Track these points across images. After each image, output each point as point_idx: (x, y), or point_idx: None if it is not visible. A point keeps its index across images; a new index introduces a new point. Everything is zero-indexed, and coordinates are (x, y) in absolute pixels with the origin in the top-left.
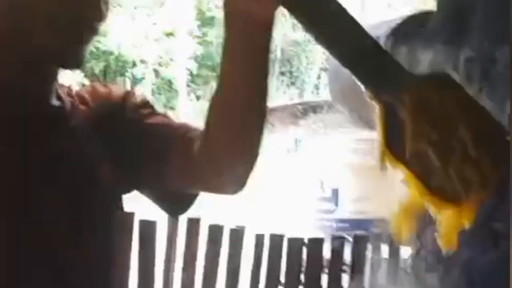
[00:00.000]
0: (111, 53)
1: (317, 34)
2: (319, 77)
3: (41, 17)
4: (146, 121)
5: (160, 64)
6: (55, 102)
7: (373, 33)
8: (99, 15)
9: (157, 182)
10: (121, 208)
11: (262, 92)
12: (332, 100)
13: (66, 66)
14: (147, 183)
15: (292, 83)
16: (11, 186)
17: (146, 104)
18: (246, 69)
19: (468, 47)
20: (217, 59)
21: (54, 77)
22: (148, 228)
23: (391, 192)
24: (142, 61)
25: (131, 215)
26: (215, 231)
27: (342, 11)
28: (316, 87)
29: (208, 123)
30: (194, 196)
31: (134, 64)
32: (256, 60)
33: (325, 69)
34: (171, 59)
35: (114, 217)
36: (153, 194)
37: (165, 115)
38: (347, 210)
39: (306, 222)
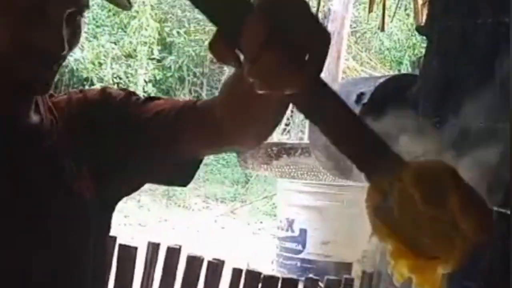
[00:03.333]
0: (66, 67)
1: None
2: None
3: (6, 49)
4: (144, 112)
5: (117, 84)
6: (33, 119)
7: (355, 87)
8: (61, 45)
9: (169, 157)
10: (105, 226)
11: None
12: (311, 145)
13: (35, 93)
14: (156, 163)
15: None
16: None
17: (129, 93)
18: None
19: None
20: (173, 84)
21: (26, 103)
22: (127, 253)
23: (358, 239)
24: (99, 79)
25: (112, 239)
26: (194, 262)
27: (335, 98)
28: None
29: (228, 85)
30: (200, 161)
31: (91, 82)
32: None
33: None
34: (129, 81)
35: (96, 234)
36: (159, 174)
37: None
38: (314, 251)
39: (269, 259)
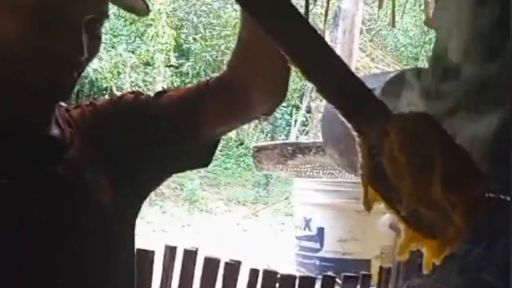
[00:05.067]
0: (85, 77)
1: (300, 67)
2: (290, 114)
3: (26, 53)
4: (160, 105)
5: None
6: (54, 131)
7: (367, 83)
8: (80, 51)
9: (192, 142)
10: (132, 231)
11: None
12: (324, 143)
13: (55, 99)
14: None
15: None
16: (8, 220)
17: (138, 94)
18: None
19: None
20: None
21: (47, 110)
22: (145, 257)
23: (376, 235)
24: (119, 88)
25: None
26: (211, 264)
27: (327, 46)
28: (288, 123)
29: (235, 53)
30: (219, 141)
31: (111, 91)
32: None
33: (297, 107)
34: (148, 88)
35: (119, 242)
36: (182, 164)
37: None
38: (332, 249)
39: (290, 259)
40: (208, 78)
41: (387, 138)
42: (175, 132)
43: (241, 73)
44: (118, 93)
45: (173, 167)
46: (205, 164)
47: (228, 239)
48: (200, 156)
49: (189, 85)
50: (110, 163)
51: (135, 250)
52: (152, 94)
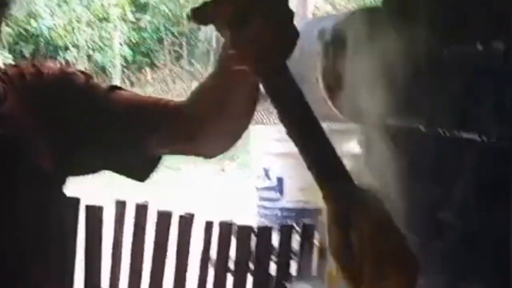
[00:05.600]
0: (41, 36)
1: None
2: None
3: None
4: (112, 100)
5: (93, 49)
6: None
7: (319, 24)
8: None
9: (134, 153)
10: (63, 193)
11: None
12: None
13: None
14: (118, 157)
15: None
16: None
17: (88, 78)
18: None
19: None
20: (151, 45)
21: None
22: (94, 213)
23: None
24: (75, 46)
25: (76, 200)
26: (164, 218)
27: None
28: None
29: (201, 89)
30: (160, 158)
31: (66, 48)
32: None
33: None
34: (105, 44)
35: (55, 203)
36: (119, 165)
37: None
38: (292, 199)
39: (251, 210)
40: (168, 100)
41: (353, 211)
42: (121, 134)
43: (198, 113)
44: (74, 51)
45: (113, 166)
46: (141, 178)
47: (195, 196)
48: (138, 168)
49: (147, 95)
50: (57, 132)
51: (85, 207)
52: (104, 86)
